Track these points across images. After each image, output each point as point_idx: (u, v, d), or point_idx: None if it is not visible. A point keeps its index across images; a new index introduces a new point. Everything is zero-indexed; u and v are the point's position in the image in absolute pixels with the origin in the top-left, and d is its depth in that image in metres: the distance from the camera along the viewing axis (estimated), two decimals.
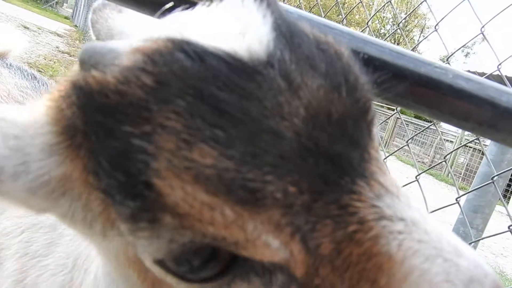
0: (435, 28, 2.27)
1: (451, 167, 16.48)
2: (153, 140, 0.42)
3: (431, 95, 0.72)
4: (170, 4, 0.55)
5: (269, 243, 0.44)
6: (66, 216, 0.53)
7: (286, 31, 0.48)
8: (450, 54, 2.16)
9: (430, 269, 0.41)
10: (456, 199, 2.19)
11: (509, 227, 1.86)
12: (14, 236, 0.94)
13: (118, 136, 0.43)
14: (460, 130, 14.80)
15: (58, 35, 13.31)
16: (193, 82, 0.42)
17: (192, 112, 0.42)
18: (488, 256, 7.46)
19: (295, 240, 0.44)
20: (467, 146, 16.97)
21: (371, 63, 0.70)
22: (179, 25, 0.49)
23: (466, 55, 39.16)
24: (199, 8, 0.52)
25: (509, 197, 13.64)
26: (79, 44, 12.96)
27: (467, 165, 17.50)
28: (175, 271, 0.47)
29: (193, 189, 0.41)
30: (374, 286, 0.43)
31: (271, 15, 0.48)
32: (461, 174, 17.39)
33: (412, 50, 0.68)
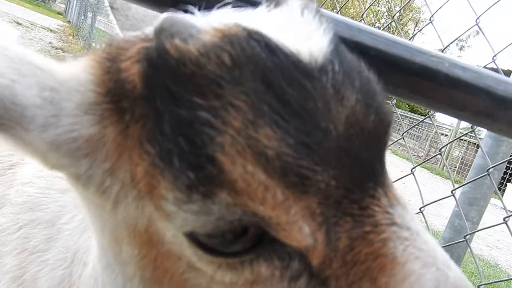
0: (430, 20, 2.26)
1: (446, 160, 16.54)
2: (220, 115, 0.45)
3: (427, 85, 0.71)
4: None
5: (302, 229, 0.48)
6: (80, 177, 0.53)
7: (336, 48, 0.53)
8: (444, 47, 2.15)
9: (425, 275, 0.47)
10: (452, 192, 2.20)
11: (504, 219, 1.87)
12: (11, 232, 0.93)
13: (186, 106, 0.46)
14: (455, 124, 14.87)
15: (51, 30, 13.22)
16: (264, 70, 0.47)
17: (259, 97, 0.46)
18: (483, 249, 7.51)
19: (321, 230, 0.48)
20: (462, 140, 17.04)
21: (367, 52, 0.69)
22: (247, 19, 0.53)
23: (460, 49, 39.25)
24: (261, 9, 0.56)
25: (504, 190, 13.73)
26: (72, 40, 12.88)
27: (462, 159, 17.59)
28: (207, 243, 0.49)
29: (253, 167, 0.45)
30: (374, 285, 0.47)
31: (329, 30, 0.55)
32: (456, 167, 17.47)
33: None
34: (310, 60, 0.49)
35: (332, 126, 0.47)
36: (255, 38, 0.49)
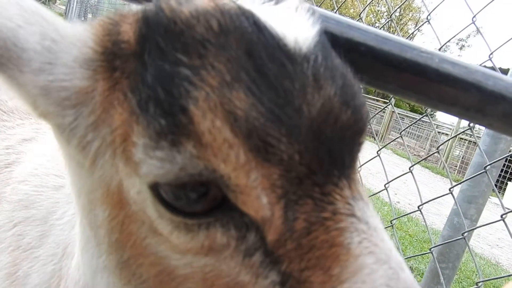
0: (427, 18, 2.27)
1: (446, 160, 16.52)
2: (200, 73, 0.48)
3: (417, 80, 0.72)
4: None
5: (260, 197, 0.49)
6: (65, 129, 0.56)
7: (322, 42, 0.56)
8: (442, 45, 2.16)
9: (377, 271, 0.48)
10: (450, 190, 2.20)
11: (501, 216, 1.87)
12: (6, 230, 0.94)
13: (170, 61, 0.49)
14: (455, 123, 14.86)
15: None
16: (248, 42, 0.50)
17: (240, 64, 0.49)
18: (484, 247, 7.50)
19: (280, 205, 0.49)
20: (462, 139, 17.02)
21: (357, 48, 0.69)
22: (243, 2, 0.57)
23: (461, 48, 39.21)
24: (259, 1, 0.59)
25: (504, 189, 13.71)
26: None
27: (462, 158, 17.57)
28: (168, 199, 0.51)
29: (222, 124, 0.47)
30: (327, 274, 0.48)
31: (318, 25, 0.58)
32: (456, 166, 17.45)
33: None
34: (295, 46, 0.52)
35: (305, 108, 0.49)
36: (245, 14, 0.52)
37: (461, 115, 0.75)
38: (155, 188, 0.51)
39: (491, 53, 1.88)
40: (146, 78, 0.50)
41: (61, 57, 0.53)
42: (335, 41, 0.59)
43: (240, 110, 0.47)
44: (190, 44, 0.49)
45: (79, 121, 0.55)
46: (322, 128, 0.50)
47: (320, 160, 0.49)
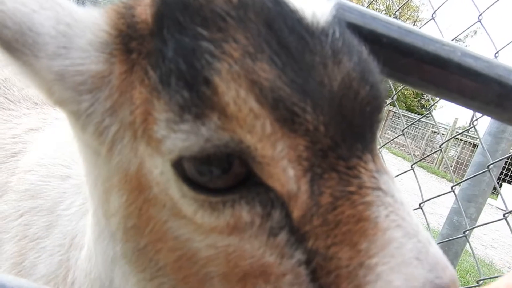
0: (432, 16, 2.26)
1: (442, 160, 16.61)
2: (221, 46, 0.47)
3: (438, 73, 0.71)
4: None
5: (286, 170, 0.48)
6: (81, 115, 0.55)
7: (339, 21, 0.55)
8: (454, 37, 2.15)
9: (406, 244, 0.46)
10: (452, 188, 2.20)
11: (504, 215, 1.87)
12: (12, 219, 0.93)
13: (190, 35, 0.49)
14: (451, 123, 14.90)
15: None
16: (267, 15, 0.50)
17: (261, 36, 0.48)
18: (478, 248, 7.55)
19: (305, 178, 0.49)
20: (457, 139, 17.10)
21: (379, 39, 0.68)
22: None
23: None
24: None
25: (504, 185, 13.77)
26: None
27: (457, 158, 17.65)
28: (192, 176, 0.50)
29: (246, 94, 0.46)
30: (354, 249, 0.47)
31: (333, 5, 0.57)
32: (451, 166, 17.53)
33: None
34: (313, 20, 0.52)
35: (327, 81, 0.49)
36: None
37: (480, 110, 0.75)
38: (178, 165, 0.50)
39: (497, 52, 1.88)
40: (166, 53, 0.49)
41: (76, 41, 0.53)
42: (358, 32, 0.58)
43: (265, 80, 0.47)
44: (209, 18, 0.49)
45: (96, 107, 0.55)
46: (343, 102, 0.49)
47: (343, 133, 0.49)
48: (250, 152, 0.48)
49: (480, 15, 1.98)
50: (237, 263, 0.52)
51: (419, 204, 2.41)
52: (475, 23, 2.04)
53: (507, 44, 1.89)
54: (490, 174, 2.03)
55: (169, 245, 0.55)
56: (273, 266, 0.50)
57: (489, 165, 2.01)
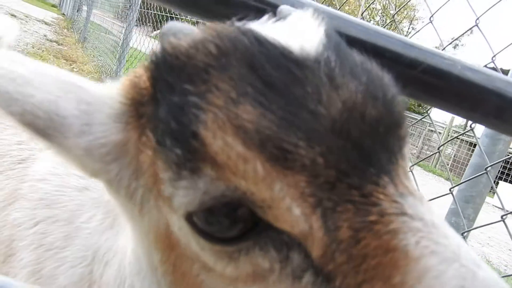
0: (430, 20, 2.29)
1: (439, 158, 16.65)
2: (206, 97, 0.48)
3: (440, 86, 0.73)
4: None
5: (291, 209, 0.47)
6: (113, 182, 0.60)
7: (335, 43, 0.55)
8: (444, 46, 2.18)
9: (446, 271, 0.42)
10: (450, 190, 2.23)
11: (502, 217, 1.90)
12: (27, 227, 0.95)
13: (178, 92, 0.51)
14: (448, 121, 14.96)
15: (46, 23, 13.09)
16: (249, 57, 0.50)
17: (243, 79, 0.48)
18: (475, 246, 7.58)
19: (316, 215, 0.46)
20: (454, 137, 17.14)
21: (382, 53, 0.71)
22: (245, 23, 0.58)
23: (454, 47, 39.40)
24: (264, 18, 0.59)
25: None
26: (67, 32, 12.77)
27: (454, 156, 17.69)
28: (203, 228, 0.51)
29: (232, 140, 0.46)
30: (388, 284, 0.43)
31: (324, 26, 0.56)
32: (448, 165, 17.58)
33: None
34: (301, 52, 0.51)
35: (322, 109, 0.47)
36: (244, 32, 0.52)
37: (480, 121, 0.77)
38: (190, 219, 0.52)
39: (494, 56, 1.91)
40: (160, 114, 0.52)
41: (97, 117, 0.57)
42: (362, 46, 0.60)
43: (249, 122, 0.46)
44: (193, 73, 0.51)
45: (123, 173, 0.58)
46: (347, 126, 0.47)
47: (351, 159, 0.46)
48: (248, 197, 0.48)
49: (477, 19, 2.01)
50: None
51: None
52: (472, 27, 2.06)
53: (504, 49, 1.92)
54: (488, 176, 2.06)
55: None
56: None
57: (487, 167, 2.04)
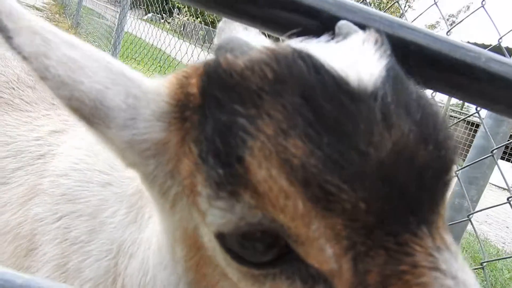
0: (434, 1, 2.27)
1: None
2: (256, 123, 0.48)
3: (464, 79, 0.73)
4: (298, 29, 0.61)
5: (324, 249, 0.47)
6: (148, 177, 0.61)
7: (394, 77, 0.52)
8: (448, 30, 2.17)
9: None
10: (455, 172, 2.25)
11: (508, 199, 1.92)
12: (50, 222, 0.96)
13: (227, 112, 0.50)
14: (445, 101, 14.98)
15: (37, 9, 12.90)
16: (304, 86, 0.48)
17: (296, 109, 0.47)
18: (473, 223, 7.67)
19: (347, 257, 0.46)
20: (452, 117, 17.20)
21: (407, 47, 0.70)
22: (305, 44, 0.56)
23: (451, 24, 39.15)
24: (323, 38, 0.58)
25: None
26: (59, 18, 12.60)
27: None
28: (235, 250, 0.51)
29: (277, 173, 0.46)
30: None
31: (386, 58, 0.54)
32: None
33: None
34: (359, 85, 0.49)
35: (372, 150, 0.45)
36: (303, 57, 0.50)
37: (503, 113, 0.78)
38: (221, 237, 0.52)
39: (501, 38, 1.90)
40: (206, 129, 0.51)
41: (142, 113, 0.57)
42: (388, 40, 0.59)
43: (296, 158, 0.45)
44: (245, 94, 0.50)
45: (159, 170, 0.59)
46: (394, 170, 0.46)
47: (391, 207, 0.45)
48: (284, 230, 0.47)
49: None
50: None
51: None
52: (478, 8, 2.05)
53: (510, 31, 1.91)
54: (493, 158, 2.07)
55: None
56: None
57: (493, 150, 2.05)
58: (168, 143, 0.57)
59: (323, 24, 0.68)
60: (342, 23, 0.64)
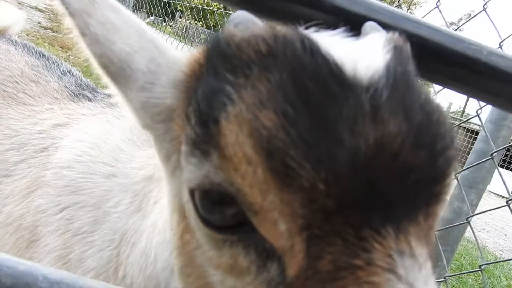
0: (436, 5, 2.28)
1: None
2: (240, 91, 0.49)
3: (466, 72, 0.74)
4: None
5: (277, 223, 0.46)
6: (157, 140, 0.66)
7: (400, 77, 0.50)
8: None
9: None
10: (455, 175, 2.25)
11: (507, 201, 1.92)
12: (52, 213, 0.97)
13: (219, 78, 0.52)
14: (445, 108, 14.98)
15: (40, 10, 12.93)
16: (295, 64, 0.48)
17: (280, 85, 0.48)
18: (471, 231, 7.66)
19: (301, 237, 0.45)
20: (452, 124, 17.18)
21: (409, 39, 0.71)
22: (315, 33, 0.56)
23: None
24: (337, 31, 0.58)
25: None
26: (61, 19, 12.61)
27: None
28: (198, 208, 0.54)
29: (245, 140, 0.47)
30: None
31: (391, 57, 0.52)
32: None
33: None
34: (353, 74, 0.48)
35: (348, 137, 0.44)
36: (301, 39, 0.50)
37: (503, 107, 0.78)
38: (192, 195, 0.55)
39: (502, 41, 1.91)
40: (198, 92, 0.55)
41: (160, 79, 0.62)
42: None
43: (266, 129, 0.45)
44: (238, 65, 0.52)
45: (166, 135, 0.63)
46: (370, 164, 0.44)
47: (356, 197, 0.44)
48: (240, 196, 0.48)
49: (485, 4, 2.01)
50: None
51: None
52: (479, 12, 2.07)
53: (510, 35, 1.92)
54: (493, 161, 2.08)
55: (197, 272, 0.60)
56: None
57: (493, 153, 2.06)
58: (176, 110, 0.61)
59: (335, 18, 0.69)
60: (367, 23, 0.66)
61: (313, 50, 0.49)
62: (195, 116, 0.52)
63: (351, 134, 0.44)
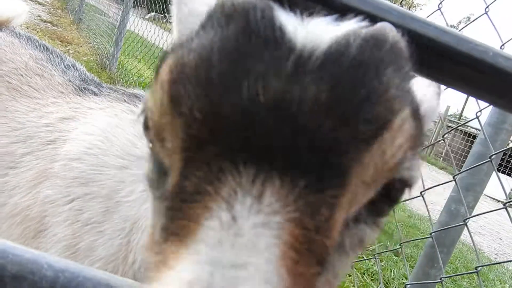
0: (438, 6, 2.30)
1: (433, 148, 16.78)
2: (189, 43, 0.53)
3: (471, 73, 0.75)
4: None
5: (165, 140, 0.52)
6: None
7: (347, 58, 0.48)
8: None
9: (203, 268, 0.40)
10: (454, 177, 2.27)
11: (504, 204, 1.94)
12: (61, 204, 0.97)
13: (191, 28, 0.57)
14: (442, 111, 15.05)
15: (39, 3, 12.88)
16: (241, 23, 0.49)
17: (219, 34, 0.50)
18: (466, 234, 7.65)
19: (180, 155, 0.49)
20: (449, 126, 17.26)
21: (417, 39, 0.72)
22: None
23: None
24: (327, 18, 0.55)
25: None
26: (61, 13, 12.58)
27: (448, 145, 17.81)
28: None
29: (166, 73, 0.52)
30: (181, 241, 0.44)
31: (353, 41, 0.50)
32: (442, 154, 17.71)
33: None
34: (290, 38, 0.48)
35: (252, 85, 0.45)
36: (262, 8, 0.50)
37: (505, 108, 0.79)
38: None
39: (503, 45, 1.93)
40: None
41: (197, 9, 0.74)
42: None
43: (183, 65, 0.49)
44: (204, 21, 0.54)
45: None
46: (261, 113, 0.45)
47: (233, 136, 0.45)
48: (148, 110, 0.54)
49: (487, 7, 2.02)
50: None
51: (420, 193, 2.48)
52: (481, 15, 2.08)
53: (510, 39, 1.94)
54: (492, 164, 2.09)
55: None
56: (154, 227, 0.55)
57: (492, 155, 2.07)
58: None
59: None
60: (382, 24, 0.65)
61: (265, 15, 0.49)
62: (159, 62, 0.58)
63: (255, 81, 0.45)
